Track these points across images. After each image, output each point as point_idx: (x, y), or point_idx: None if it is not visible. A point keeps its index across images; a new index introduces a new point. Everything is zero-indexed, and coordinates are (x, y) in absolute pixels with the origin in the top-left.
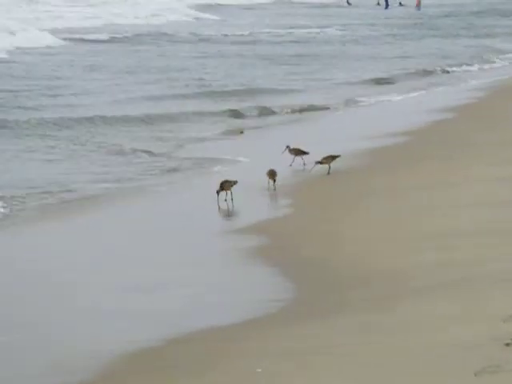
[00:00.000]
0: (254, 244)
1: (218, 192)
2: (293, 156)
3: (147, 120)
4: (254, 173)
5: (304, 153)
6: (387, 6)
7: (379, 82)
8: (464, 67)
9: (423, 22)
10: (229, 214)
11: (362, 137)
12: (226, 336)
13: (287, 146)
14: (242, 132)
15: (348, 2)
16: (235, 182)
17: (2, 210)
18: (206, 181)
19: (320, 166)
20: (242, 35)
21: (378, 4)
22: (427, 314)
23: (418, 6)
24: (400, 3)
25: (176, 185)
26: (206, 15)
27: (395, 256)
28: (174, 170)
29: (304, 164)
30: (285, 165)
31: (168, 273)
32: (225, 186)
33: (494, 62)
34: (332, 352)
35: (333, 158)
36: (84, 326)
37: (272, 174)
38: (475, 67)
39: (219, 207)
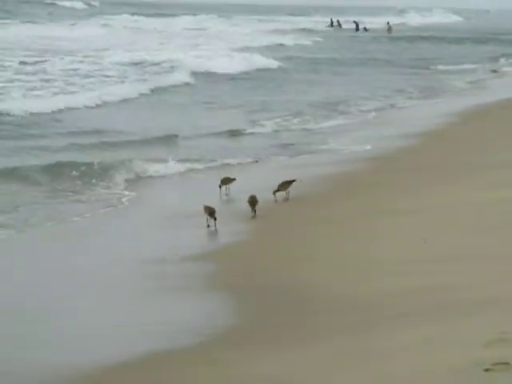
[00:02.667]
0: (208, 270)
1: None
2: (225, 186)
3: None
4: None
5: (232, 179)
6: (357, 29)
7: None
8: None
9: None
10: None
11: (329, 162)
12: (181, 360)
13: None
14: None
15: (364, 28)
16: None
17: None
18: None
19: (278, 194)
20: None
21: (332, 26)
22: (404, 340)
23: (390, 30)
24: (365, 28)
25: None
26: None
27: (367, 281)
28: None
29: (227, 194)
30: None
31: (116, 300)
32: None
33: None
34: (299, 380)
35: (288, 183)
36: (20, 349)
37: (252, 202)
38: None
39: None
